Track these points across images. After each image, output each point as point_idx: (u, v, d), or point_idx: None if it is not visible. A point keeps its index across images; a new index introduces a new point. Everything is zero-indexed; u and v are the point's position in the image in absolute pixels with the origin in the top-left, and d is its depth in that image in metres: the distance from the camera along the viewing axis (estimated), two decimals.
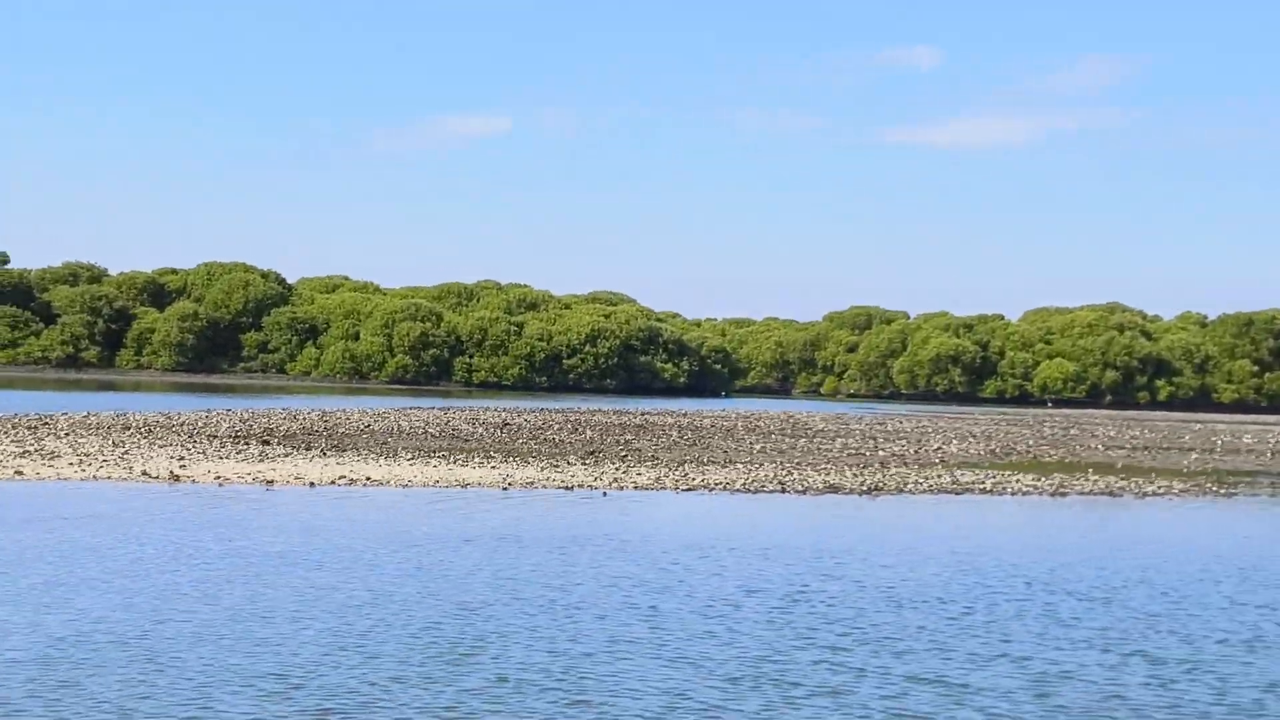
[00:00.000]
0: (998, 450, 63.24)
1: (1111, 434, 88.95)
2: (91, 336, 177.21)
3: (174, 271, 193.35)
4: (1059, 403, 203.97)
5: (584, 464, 45.23)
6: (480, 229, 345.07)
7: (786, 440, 65.44)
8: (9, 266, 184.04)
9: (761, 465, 47.70)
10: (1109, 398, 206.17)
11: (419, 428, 62.37)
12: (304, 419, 66.57)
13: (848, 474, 44.81)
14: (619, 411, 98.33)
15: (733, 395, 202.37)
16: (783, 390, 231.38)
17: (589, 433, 65.15)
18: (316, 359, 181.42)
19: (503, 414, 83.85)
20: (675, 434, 67.30)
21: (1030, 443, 71.68)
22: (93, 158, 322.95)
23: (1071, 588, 22.65)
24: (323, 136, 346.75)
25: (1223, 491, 44.47)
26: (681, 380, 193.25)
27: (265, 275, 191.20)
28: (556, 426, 69.43)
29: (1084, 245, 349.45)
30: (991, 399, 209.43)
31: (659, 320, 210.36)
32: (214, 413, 70.03)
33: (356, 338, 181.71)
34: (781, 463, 49.34)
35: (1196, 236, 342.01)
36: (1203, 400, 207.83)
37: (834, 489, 39.96)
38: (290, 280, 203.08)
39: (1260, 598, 22.43)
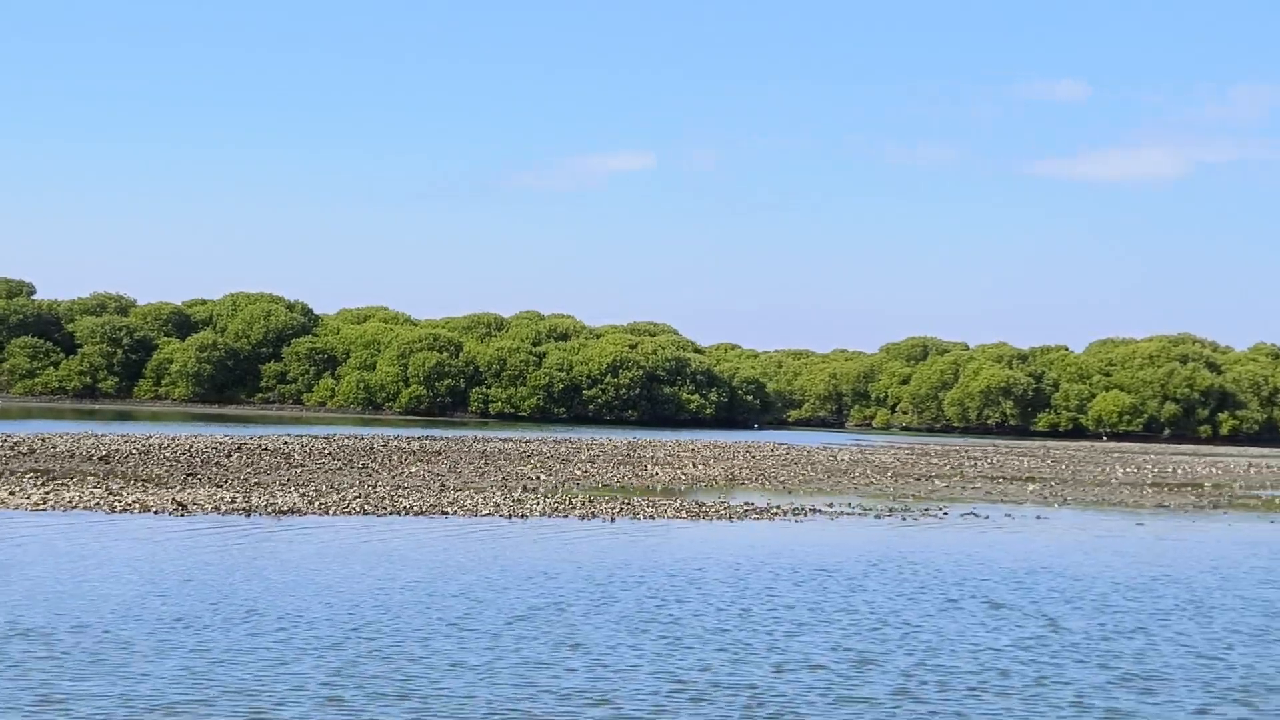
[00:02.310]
0: (719, 475, 58.75)
1: (976, 464, 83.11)
2: (110, 367, 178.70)
3: (203, 302, 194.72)
4: (1115, 436, 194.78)
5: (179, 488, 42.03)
6: (610, 265, 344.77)
7: (541, 461, 62.03)
8: (36, 297, 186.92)
9: (310, 485, 44.16)
10: (1167, 431, 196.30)
11: (132, 452, 59.56)
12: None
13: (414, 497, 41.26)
14: (480, 438, 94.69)
15: (767, 427, 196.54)
16: (836, 423, 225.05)
17: (303, 459, 62.06)
18: (332, 389, 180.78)
19: (314, 440, 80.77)
20: (395, 459, 63.74)
21: (806, 468, 66.63)
22: (166, 191, 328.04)
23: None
24: (463, 176, 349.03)
25: (851, 511, 40.09)
26: (708, 412, 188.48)
27: (291, 306, 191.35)
28: (318, 454, 66.01)
29: (1183, 276, 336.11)
30: (1044, 432, 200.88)
31: (696, 351, 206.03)
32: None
33: (373, 368, 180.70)
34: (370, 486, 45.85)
35: None
36: (1269, 434, 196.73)
37: (244, 512, 36.35)
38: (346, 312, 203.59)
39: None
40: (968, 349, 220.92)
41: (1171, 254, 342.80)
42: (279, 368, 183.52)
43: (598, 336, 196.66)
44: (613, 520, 37.71)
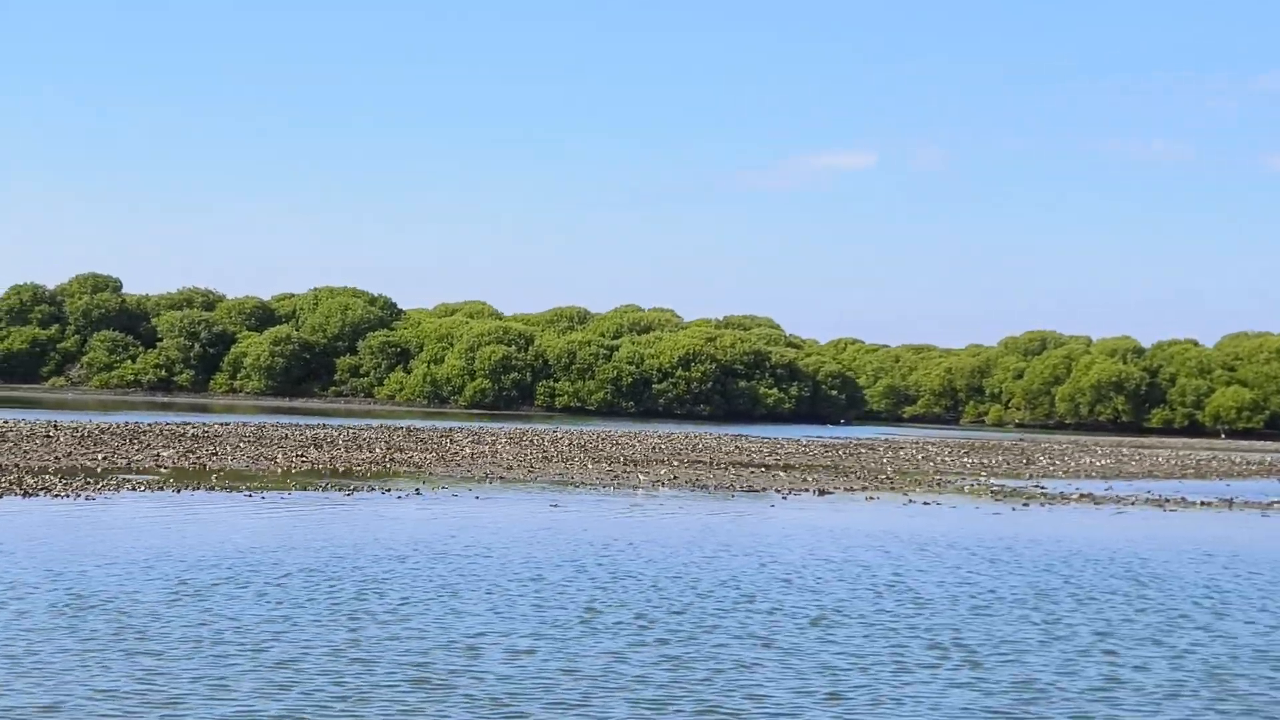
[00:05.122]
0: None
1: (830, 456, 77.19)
2: (186, 360, 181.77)
3: (289, 297, 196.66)
4: (1233, 433, 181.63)
5: None
6: (815, 265, 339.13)
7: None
8: (127, 292, 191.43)
9: None
10: None
11: None
12: None
13: None
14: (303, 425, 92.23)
15: (854, 423, 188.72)
16: (951, 419, 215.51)
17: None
18: (402, 383, 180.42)
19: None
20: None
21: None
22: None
23: None
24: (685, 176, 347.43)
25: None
26: (787, 406, 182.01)
27: (373, 300, 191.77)
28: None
29: None
30: (1157, 429, 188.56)
31: (791, 345, 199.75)
32: None
33: (442, 361, 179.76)
34: None
35: None
36: None
37: None
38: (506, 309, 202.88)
39: None
40: (1089, 342, 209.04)
41: None
42: (353, 361, 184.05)
43: (682, 329, 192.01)
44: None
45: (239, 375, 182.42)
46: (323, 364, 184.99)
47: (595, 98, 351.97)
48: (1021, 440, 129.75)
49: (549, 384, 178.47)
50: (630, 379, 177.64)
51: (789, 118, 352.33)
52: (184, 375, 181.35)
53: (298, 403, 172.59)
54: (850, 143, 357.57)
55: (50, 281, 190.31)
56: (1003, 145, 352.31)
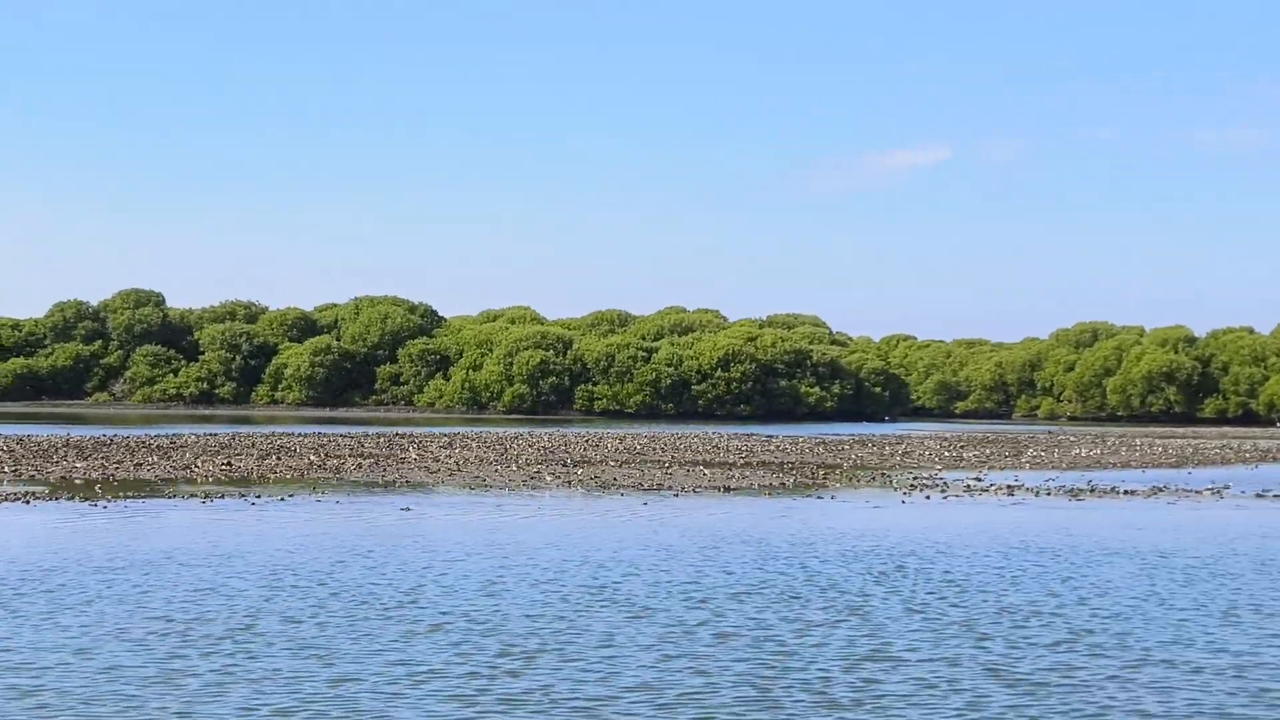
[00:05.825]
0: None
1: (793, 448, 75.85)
2: (228, 373, 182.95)
3: (331, 307, 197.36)
4: None
5: None
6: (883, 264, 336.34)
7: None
8: (171, 306, 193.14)
9: None
10: None
11: None
12: None
13: None
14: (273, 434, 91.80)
15: (900, 419, 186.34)
16: (1004, 414, 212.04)
17: None
18: (441, 390, 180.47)
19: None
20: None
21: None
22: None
23: None
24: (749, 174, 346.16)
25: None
26: (829, 405, 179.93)
27: (413, 309, 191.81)
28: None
29: None
30: (1210, 419, 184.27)
31: (835, 343, 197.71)
32: None
33: (481, 368, 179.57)
34: None
35: None
36: None
37: None
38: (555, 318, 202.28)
39: None
40: (1142, 332, 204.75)
41: None
42: (393, 370, 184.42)
43: (722, 329, 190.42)
44: None
45: (280, 386, 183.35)
46: (363, 373, 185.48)
47: (662, 101, 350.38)
48: (1049, 432, 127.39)
49: (587, 388, 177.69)
50: (669, 381, 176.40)
51: (862, 116, 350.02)
52: (225, 388, 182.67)
53: (339, 412, 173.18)
54: (924, 138, 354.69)
55: (93, 298, 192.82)
56: (1082, 136, 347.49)
